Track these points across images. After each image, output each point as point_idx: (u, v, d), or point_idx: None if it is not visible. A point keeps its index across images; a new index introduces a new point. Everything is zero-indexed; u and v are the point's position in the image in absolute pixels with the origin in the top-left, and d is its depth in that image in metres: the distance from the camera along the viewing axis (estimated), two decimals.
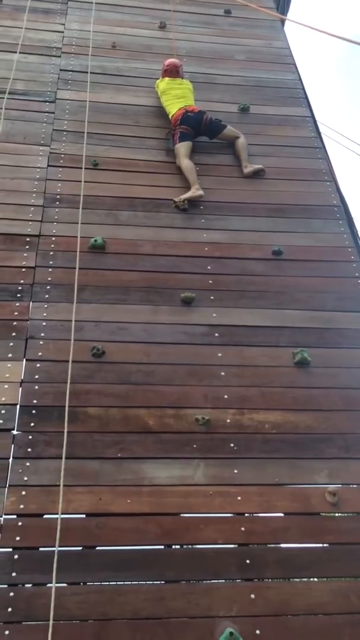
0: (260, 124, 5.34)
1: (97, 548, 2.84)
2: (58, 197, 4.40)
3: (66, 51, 5.70)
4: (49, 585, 2.50)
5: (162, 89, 5.19)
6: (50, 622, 2.31)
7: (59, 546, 2.59)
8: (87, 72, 5.36)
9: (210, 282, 4.07)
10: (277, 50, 6.22)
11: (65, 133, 4.90)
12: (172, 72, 5.29)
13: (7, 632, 2.51)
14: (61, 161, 4.66)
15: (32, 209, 4.29)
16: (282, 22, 6.52)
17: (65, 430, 2.95)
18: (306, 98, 5.74)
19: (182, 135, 4.85)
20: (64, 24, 6.00)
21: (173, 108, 5.02)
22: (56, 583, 2.57)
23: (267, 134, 5.27)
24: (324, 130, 5.75)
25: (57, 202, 4.36)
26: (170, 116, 5.03)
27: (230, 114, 5.29)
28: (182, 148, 4.80)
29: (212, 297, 3.98)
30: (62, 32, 5.92)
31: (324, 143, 5.34)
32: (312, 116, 5.56)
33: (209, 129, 4.98)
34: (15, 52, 5.44)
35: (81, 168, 4.44)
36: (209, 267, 4.16)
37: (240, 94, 5.60)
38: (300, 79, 5.94)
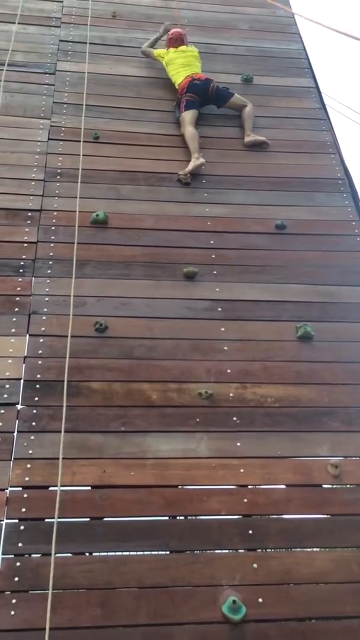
0: (264, 95, 5.26)
1: (102, 519, 2.88)
2: (59, 171, 4.36)
3: (66, 21, 5.60)
4: (55, 555, 2.54)
5: (168, 59, 5.08)
6: (50, 591, 2.35)
7: (62, 517, 2.63)
8: (86, 43, 5.26)
9: (213, 256, 4.05)
10: (282, 19, 6.09)
11: (65, 105, 4.83)
12: (177, 40, 5.18)
13: (14, 601, 2.56)
14: (62, 134, 4.61)
15: (33, 183, 4.25)
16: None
17: (65, 404, 2.97)
18: (311, 68, 5.64)
19: (188, 103, 4.78)
20: None
21: (179, 77, 4.93)
22: (62, 553, 2.63)
23: (271, 105, 5.19)
24: (329, 102, 5.62)
25: (58, 177, 4.32)
26: (176, 85, 4.95)
27: (233, 84, 5.20)
28: (188, 116, 4.73)
29: (214, 272, 3.96)
30: (61, 1, 5.80)
31: (329, 115, 5.27)
32: (317, 87, 5.47)
33: (216, 97, 4.90)
34: (14, 23, 5.34)
35: (81, 141, 4.39)
36: (211, 242, 4.13)
37: (243, 64, 5.50)
38: (304, 49, 5.82)
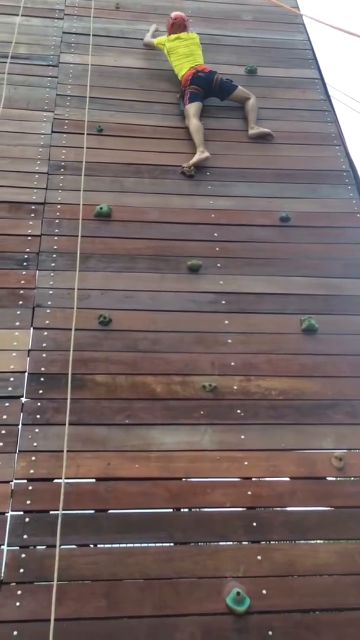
0: (268, 86, 5.23)
1: (107, 511, 2.89)
2: (63, 164, 4.35)
3: (69, 13, 5.57)
4: (60, 546, 2.56)
5: (169, 48, 5.02)
6: (55, 583, 2.37)
7: (67, 509, 2.64)
8: (90, 35, 5.24)
9: (217, 249, 4.04)
10: (286, 9, 6.02)
11: (69, 98, 4.82)
12: (180, 26, 5.09)
13: (19, 592, 2.58)
14: (65, 127, 4.60)
15: (36, 176, 4.25)
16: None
17: (69, 397, 2.98)
18: (315, 59, 5.60)
19: (192, 96, 4.75)
20: None
21: (182, 69, 4.90)
22: (66, 545, 2.64)
23: (275, 97, 5.16)
24: (333, 93, 5.59)
25: (62, 170, 4.32)
26: (179, 77, 4.91)
27: (237, 76, 5.17)
28: (192, 109, 4.71)
29: (218, 265, 3.95)
30: None
31: (334, 106, 5.23)
32: (321, 78, 5.43)
33: (220, 90, 4.87)
34: (18, 15, 5.32)
35: (85, 134, 4.38)
36: (215, 234, 4.12)
37: (247, 56, 5.47)
38: (309, 40, 5.78)
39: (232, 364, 3.47)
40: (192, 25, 5.51)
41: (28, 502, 2.84)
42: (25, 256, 3.79)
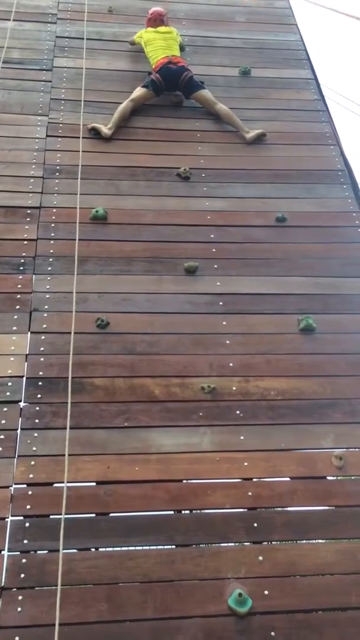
0: (262, 87, 5.25)
1: (107, 515, 2.89)
2: (58, 167, 4.35)
3: (62, 17, 5.58)
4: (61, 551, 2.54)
5: (146, 39, 5.03)
6: (59, 587, 2.36)
7: (68, 513, 2.63)
8: (83, 39, 5.24)
9: (214, 250, 4.04)
10: (279, 11, 6.07)
11: (63, 102, 4.82)
12: (157, 21, 5.15)
13: (20, 597, 2.57)
14: (60, 131, 4.60)
15: (32, 180, 4.25)
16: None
17: (69, 400, 2.97)
18: (309, 60, 5.61)
19: (149, 83, 4.79)
20: None
21: (158, 56, 4.89)
22: (67, 549, 2.63)
23: (269, 98, 5.17)
24: (327, 93, 5.62)
25: (57, 173, 4.32)
26: (152, 65, 4.89)
27: (231, 77, 5.19)
28: (137, 92, 4.79)
29: (215, 266, 3.95)
30: None
31: (328, 106, 5.25)
32: (315, 78, 5.45)
33: (186, 86, 4.85)
34: (10, 20, 5.32)
35: (80, 137, 4.39)
36: (212, 236, 4.12)
37: (241, 57, 5.48)
38: (302, 40, 5.80)
39: (231, 364, 3.47)
40: (185, 28, 5.53)
41: (28, 506, 2.82)
42: (22, 260, 3.79)
